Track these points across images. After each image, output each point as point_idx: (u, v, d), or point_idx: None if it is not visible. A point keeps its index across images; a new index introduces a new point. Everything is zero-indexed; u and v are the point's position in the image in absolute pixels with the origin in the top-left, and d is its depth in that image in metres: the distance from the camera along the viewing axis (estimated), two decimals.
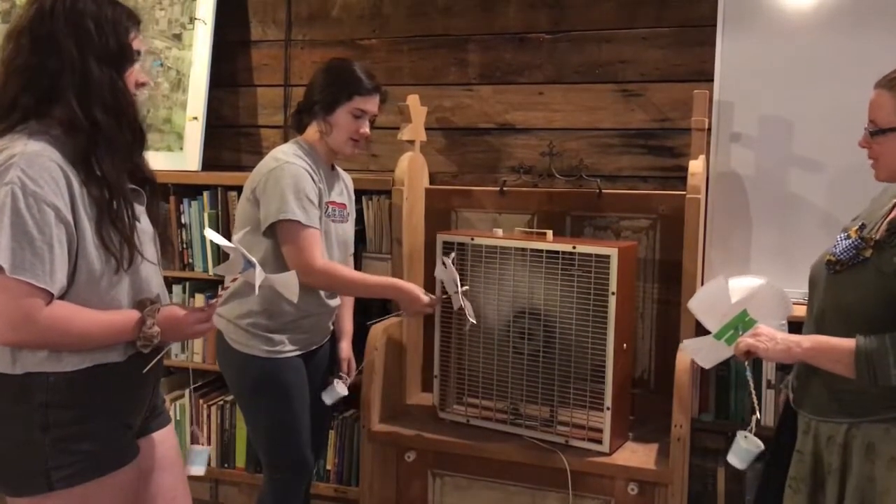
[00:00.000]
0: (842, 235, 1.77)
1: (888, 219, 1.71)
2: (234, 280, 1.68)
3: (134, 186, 1.64)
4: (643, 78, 2.76)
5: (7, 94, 1.51)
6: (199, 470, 1.71)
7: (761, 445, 1.82)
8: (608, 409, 2.32)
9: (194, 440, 1.71)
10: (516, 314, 2.45)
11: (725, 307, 1.81)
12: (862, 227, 1.75)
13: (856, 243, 1.71)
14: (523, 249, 2.42)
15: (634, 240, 2.62)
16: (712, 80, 2.63)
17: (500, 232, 2.52)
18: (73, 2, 1.52)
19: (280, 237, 2.21)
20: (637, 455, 2.36)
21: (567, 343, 2.36)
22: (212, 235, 1.69)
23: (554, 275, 2.37)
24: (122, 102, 1.55)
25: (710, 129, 2.60)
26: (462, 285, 2.35)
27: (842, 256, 1.72)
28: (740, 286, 1.85)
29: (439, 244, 2.53)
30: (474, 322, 2.35)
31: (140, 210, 1.64)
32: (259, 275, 1.64)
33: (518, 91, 2.90)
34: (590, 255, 2.31)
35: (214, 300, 1.68)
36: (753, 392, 1.85)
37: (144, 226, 1.64)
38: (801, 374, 1.83)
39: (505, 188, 2.80)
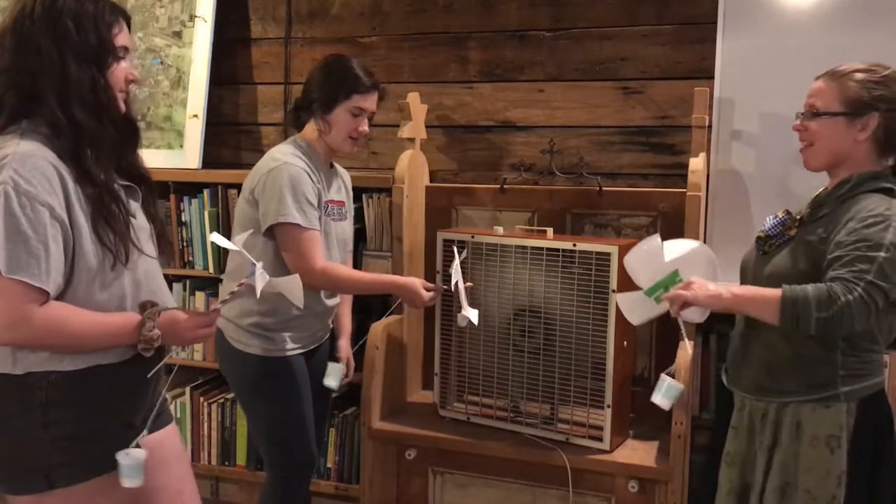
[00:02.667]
0: (769, 217, 1.93)
1: (811, 201, 1.87)
2: (242, 285, 1.68)
3: (128, 183, 1.63)
4: (644, 75, 2.75)
5: None
6: (133, 482, 1.65)
7: (682, 386, 1.93)
8: (608, 406, 2.33)
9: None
10: (517, 312, 2.45)
11: (659, 266, 1.87)
12: (787, 211, 1.92)
13: (782, 220, 1.88)
14: (524, 247, 2.42)
15: (635, 237, 2.61)
16: (713, 78, 2.63)
17: (500, 230, 2.52)
18: (53, 1, 1.51)
19: (279, 240, 2.21)
20: (637, 452, 2.36)
21: (567, 341, 2.36)
22: (218, 240, 1.68)
23: (554, 272, 2.37)
24: (104, 100, 1.54)
25: (710, 127, 2.60)
26: (465, 281, 2.34)
27: (770, 232, 1.89)
28: (674, 247, 1.93)
29: (440, 242, 2.53)
30: (470, 320, 2.28)
31: (135, 207, 1.63)
32: (262, 279, 1.63)
33: (518, 88, 2.90)
34: (590, 252, 2.31)
35: (217, 305, 1.68)
36: (683, 330, 1.90)
37: (141, 222, 1.63)
38: (736, 355, 1.94)
39: (505, 186, 2.79)
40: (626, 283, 2.34)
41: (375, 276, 2.45)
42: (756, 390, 1.86)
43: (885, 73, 1.80)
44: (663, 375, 1.92)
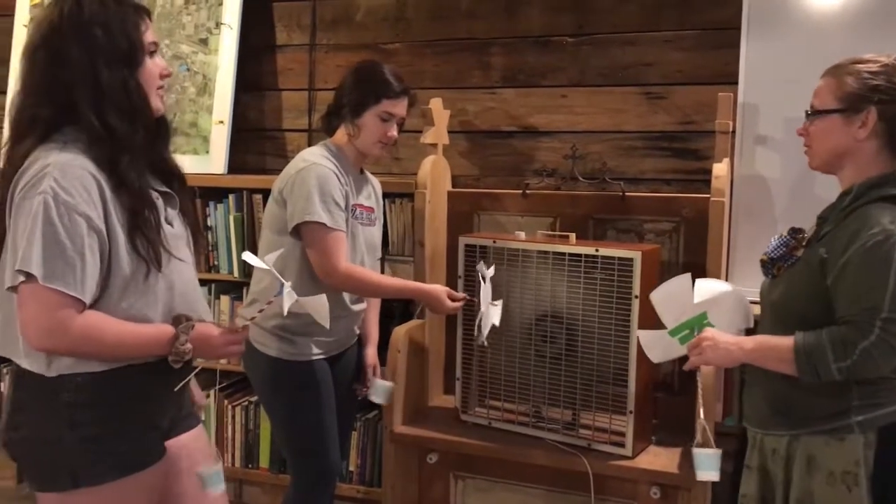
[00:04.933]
0: (773, 237, 1.80)
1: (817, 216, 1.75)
2: (270, 303, 1.70)
3: (166, 189, 1.65)
4: (667, 80, 2.75)
5: (28, 110, 1.54)
6: (220, 489, 1.71)
7: (718, 450, 1.80)
8: (631, 412, 2.32)
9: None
10: (538, 317, 2.45)
11: (686, 306, 1.80)
12: (794, 230, 1.77)
13: (785, 240, 1.74)
14: (546, 252, 2.42)
15: (658, 243, 2.61)
16: (737, 83, 2.62)
17: (522, 235, 2.52)
18: (80, 10, 1.53)
19: (304, 239, 2.23)
20: (659, 459, 2.35)
21: (590, 346, 2.36)
22: (250, 258, 1.69)
23: (577, 278, 2.36)
24: (137, 102, 1.57)
25: (734, 132, 2.59)
26: (494, 300, 2.33)
27: (773, 254, 1.76)
28: (706, 288, 1.84)
29: (461, 247, 2.54)
30: (492, 325, 2.32)
31: (173, 214, 1.65)
32: (289, 298, 1.65)
33: (541, 94, 2.90)
34: (613, 258, 2.30)
35: (246, 322, 1.70)
36: (701, 397, 1.79)
37: (177, 230, 1.65)
38: (744, 388, 1.83)
39: (528, 191, 2.79)
40: (649, 288, 2.34)
41: (400, 282, 2.45)
42: (765, 424, 1.75)
43: (886, 61, 1.64)
44: (694, 450, 1.79)
